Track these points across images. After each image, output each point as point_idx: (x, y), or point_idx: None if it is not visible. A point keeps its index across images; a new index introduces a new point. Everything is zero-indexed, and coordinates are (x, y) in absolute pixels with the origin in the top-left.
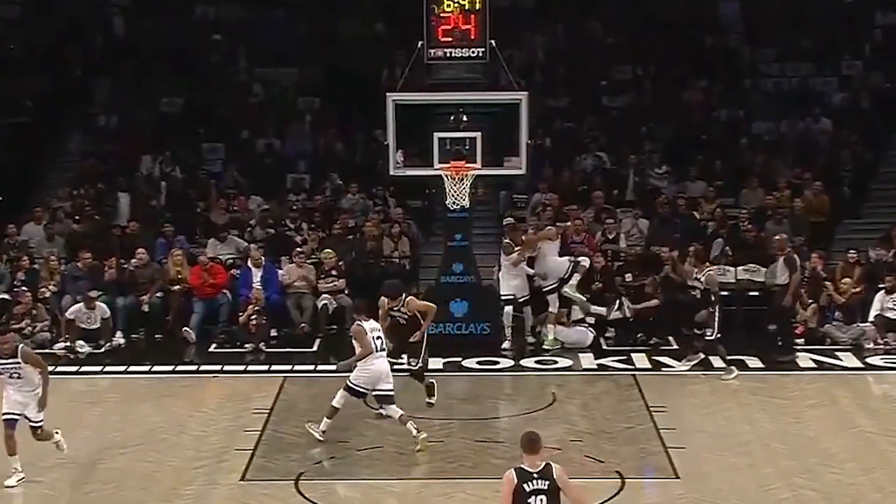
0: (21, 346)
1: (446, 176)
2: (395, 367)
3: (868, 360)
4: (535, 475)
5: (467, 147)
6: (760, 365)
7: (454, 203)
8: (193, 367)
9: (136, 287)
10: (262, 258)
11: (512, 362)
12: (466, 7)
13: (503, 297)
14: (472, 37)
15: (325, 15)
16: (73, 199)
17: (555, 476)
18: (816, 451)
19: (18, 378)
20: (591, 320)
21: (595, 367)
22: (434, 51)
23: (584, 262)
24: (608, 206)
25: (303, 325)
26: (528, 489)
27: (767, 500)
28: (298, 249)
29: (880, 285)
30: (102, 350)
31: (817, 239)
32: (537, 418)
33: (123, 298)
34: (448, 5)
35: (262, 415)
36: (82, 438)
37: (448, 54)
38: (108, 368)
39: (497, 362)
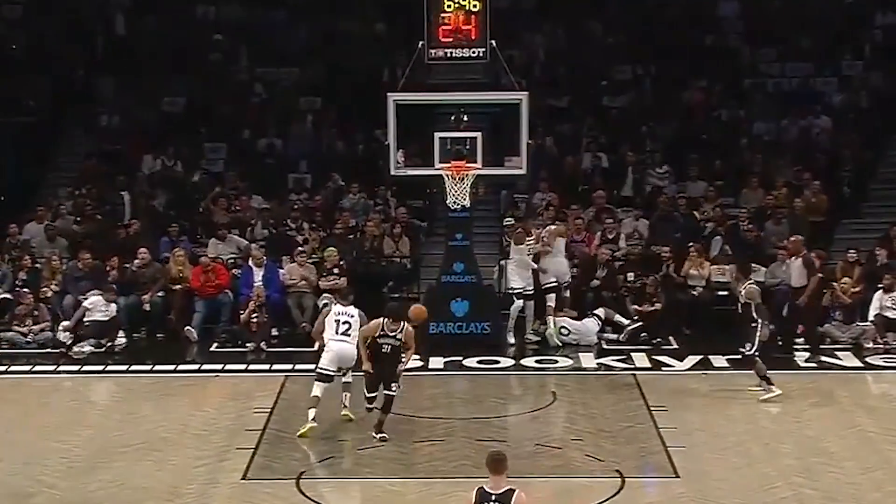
0: None
1: (447, 176)
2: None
3: (868, 359)
4: (494, 498)
5: (468, 147)
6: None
7: (455, 203)
8: (195, 367)
9: (138, 286)
10: (264, 257)
11: (512, 361)
12: (467, 7)
13: (514, 291)
14: (473, 37)
15: (326, 15)
16: (74, 199)
17: (513, 503)
18: (816, 451)
19: None
20: (601, 313)
21: (595, 366)
22: (434, 51)
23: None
24: (609, 206)
25: (304, 324)
26: None
27: (767, 499)
28: (300, 249)
29: (879, 285)
30: (104, 349)
31: (816, 239)
32: (538, 417)
33: (125, 298)
34: (448, 5)
35: (263, 414)
36: (84, 437)
37: (448, 54)
38: (109, 368)
39: (497, 361)
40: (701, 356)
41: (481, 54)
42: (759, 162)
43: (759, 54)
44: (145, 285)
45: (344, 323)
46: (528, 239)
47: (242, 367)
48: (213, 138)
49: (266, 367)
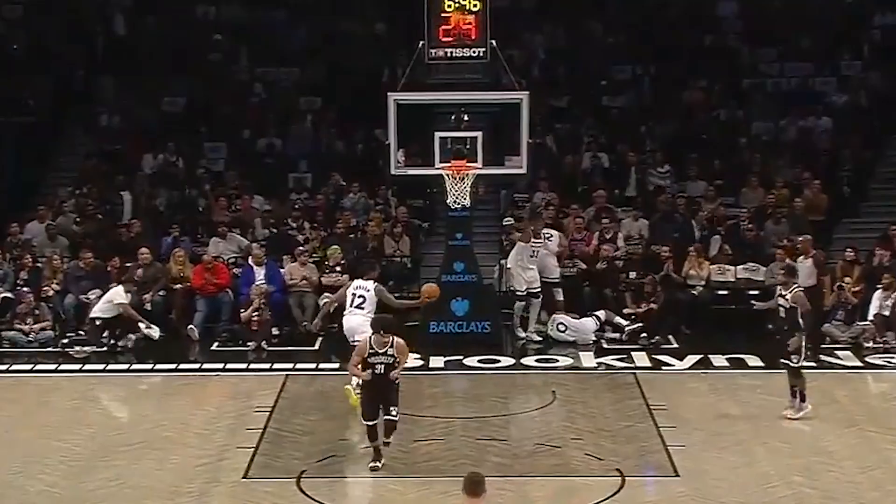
0: None
1: (447, 175)
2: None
3: (867, 358)
4: None
5: (468, 146)
6: (760, 364)
7: (455, 202)
8: (196, 366)
9: (139, 286)
10: (265, 257)
11: (513, 360)
12: (467, 7)
13: (521, 292)
14: (473, 37)
15: (327, 15)
16: (75, 199)
17: None
18: (816, 450)
19: None
20: (601, 314)
21: (595, 365)
22: (435, 51)
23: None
24: (609, 206)
25: (304, 323)
26: None
27: (767, 498)
28: (301, 248)
29: (878, 284)
30: (119, 346)
31: (816, 238)
32: (538, 416)
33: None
34: (448, 5)
35: (264, 413)
36: (85, 436)
37: (449, 54)
38: (110, 367)
39: (498, 361)
40: (701, 355)
41: (481, 54)
42: (759, 161)
43: (758, 54)
44: (146, 285)
45: (359, 297)
46: (533, 241)
47: (243, 366)
48: (213, 138)
49: (267, 366)
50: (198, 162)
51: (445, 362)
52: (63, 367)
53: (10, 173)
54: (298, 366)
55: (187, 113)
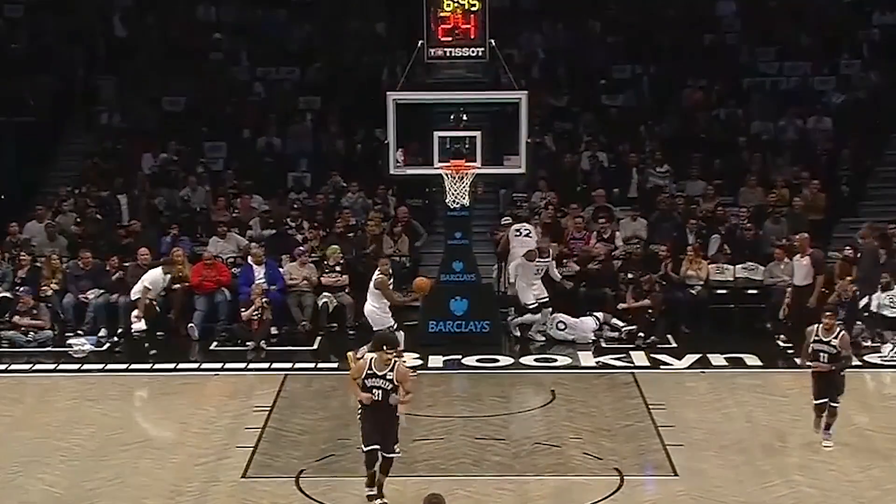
0: None
1: (446, 175)
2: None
3: (866, 358)
4: None
5: (467, 146)
6: (759, 363)
7: (454, 202)
8: (195, 365)
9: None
10: (264, 256)
11: (512, 360)
12: (466, 6)
13: (532, 304)
14: (472, 36)
15: (327, 15)
16: (75, 198)
17: None
18: (815, 449)
19: None
20: (599, 315)
21: (594, 364)
22: (434, 50)
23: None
24: (608, 205)
25: (303, 322)
26: None
27: (766, 497)
28: (301, 248)
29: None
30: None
31: (815, 237)
32: (537, 416)
33: (126, 297)
34: (448, 5)
35: (263, 412)
36: (85, 436)
37: (448, 54)
38: (109, 366)
39: (497, 360)
40: (700, 355)
41: (480, 53)
42: (758, 161)
43: (757, 53)
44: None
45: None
46: (539, 259)
47: (242, 365)
48: (213, 137)
49: (266, 365)
50: (198, 161)
51: (444, 362)
52: (62, 366)
53: (10, 173)
54: (297, 365)
55: (187, 112)
